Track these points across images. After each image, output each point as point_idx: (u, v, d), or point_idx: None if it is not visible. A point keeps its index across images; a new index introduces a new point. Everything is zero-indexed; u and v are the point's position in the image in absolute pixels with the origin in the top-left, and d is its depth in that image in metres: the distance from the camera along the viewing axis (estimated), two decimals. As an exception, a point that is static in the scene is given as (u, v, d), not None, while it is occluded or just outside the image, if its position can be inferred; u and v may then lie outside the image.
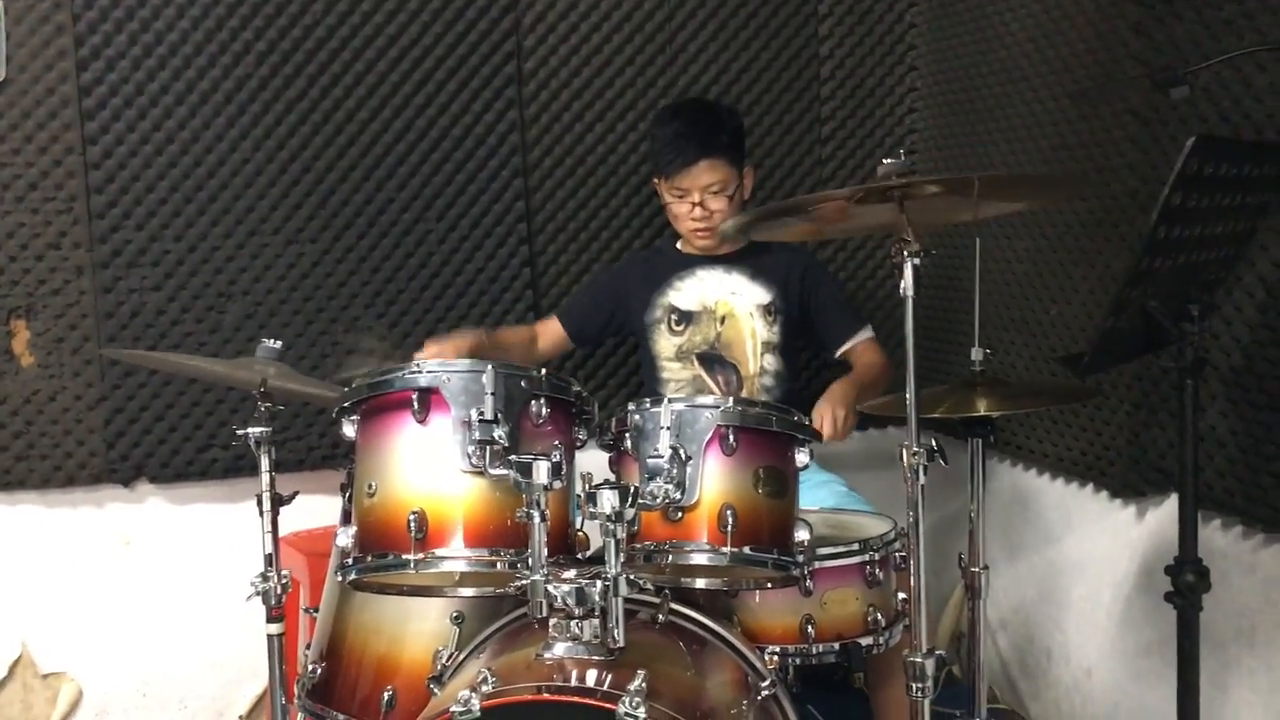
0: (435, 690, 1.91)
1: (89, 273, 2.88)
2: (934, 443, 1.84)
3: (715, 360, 2.86)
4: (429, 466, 1.80)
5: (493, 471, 1.75)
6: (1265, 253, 2.13)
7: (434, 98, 3.06)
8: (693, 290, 2.88)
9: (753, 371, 2.83)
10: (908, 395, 1.84)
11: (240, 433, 2.19)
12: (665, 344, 2.89)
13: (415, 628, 2.15)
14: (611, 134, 3.20)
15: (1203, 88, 2.20)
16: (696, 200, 2.78)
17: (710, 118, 2.87)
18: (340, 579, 1.90)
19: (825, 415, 2.46)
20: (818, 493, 2.67)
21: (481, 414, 1.77)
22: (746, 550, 1.85)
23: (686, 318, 2.87)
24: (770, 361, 2.84)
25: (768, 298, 2.84)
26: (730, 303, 2.85)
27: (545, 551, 1.69)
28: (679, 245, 2.96)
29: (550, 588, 1.69)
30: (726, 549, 1.84)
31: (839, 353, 2.90)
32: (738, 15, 3.26)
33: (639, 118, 3.21)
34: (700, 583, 2.00)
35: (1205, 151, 1.68)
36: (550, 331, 2.99)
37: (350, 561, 1.86)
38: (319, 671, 2.21)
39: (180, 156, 2.91)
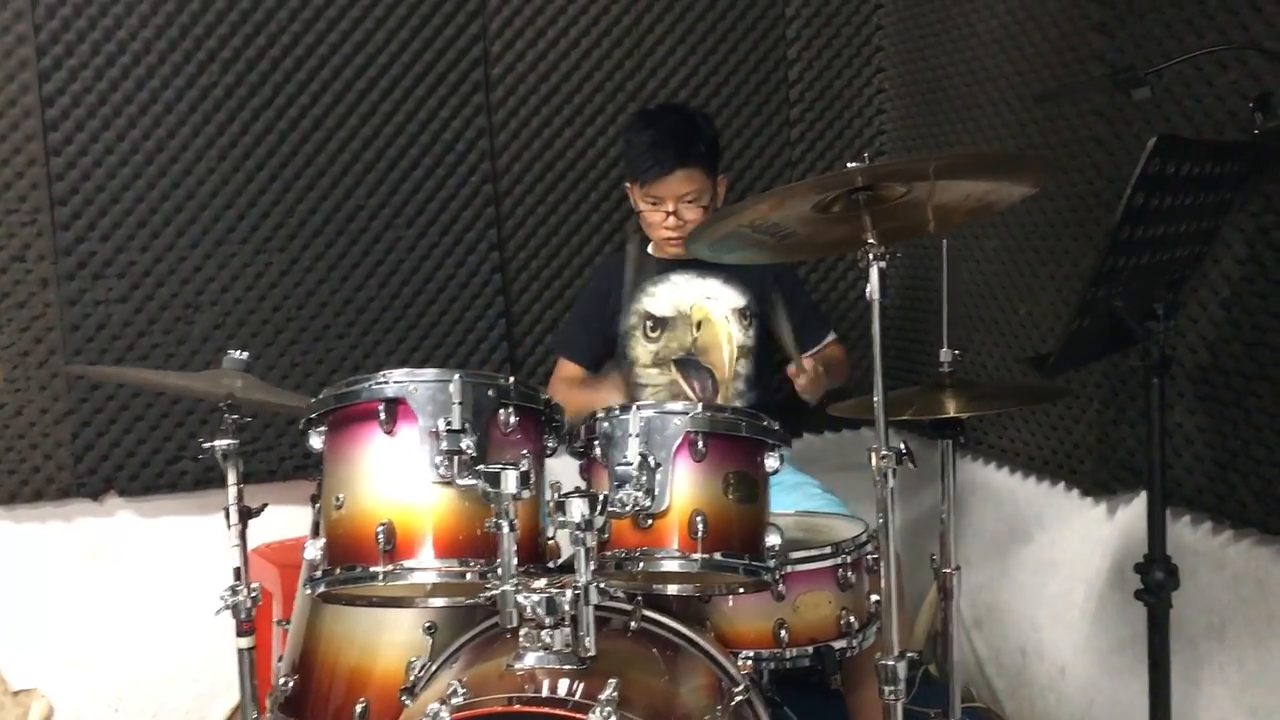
0: (407, 702, 1.90)
1: (54, 285, 2.85)
2: (903, 445, 1.84)
3: (692, 365, 2.84)
4: (397, 477, 1.79)
5: (461, 481, 1.74)
6: (1229, 250, 2.15)
7: (401, 104, 3.05)
8: (667, 295, 2.86)
9: (728, 376, 2.83)
10: (876, 398, 1.83)
11: (207, 445, 2.17)
12: (641, 350, 2.86)
13: (388, 638, 2.14)
14: (580, 139, 3.20)
15: (1165, 87, 2.21)
16: (670, 209, 2.76)
17: (687, 126, 2.84)
18: (309, 592, 1.88)
19: (805, 363, 2.57)
20: (792, 495, 2.66)
21: (449, 424, 1.76)
22: (717, 556, 1.84)
23: (661, 323, 2.85)
24: (744, 366, 2.84)
25: (743, 302, 2.83)
26: (706, 307, 2.83)
27: (515, 561, 1.68)
28: (649, 249, 2.93)
29: (520, 598, 1.68)
30: (697, 555, 1.83)
31: (808, 354, 2.90)
32: (705, 19, 3.27)
33: (608, 122, 3.20)
34: (672, 589, 2.00)
35: (1167, 151, 1.69)
36: (572, 375, 2.95)
37: (319, 574, 1.84)
38: (291, 684, 2.20)
39: (145, 167, 2.89)
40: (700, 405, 1.90)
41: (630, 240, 2.94)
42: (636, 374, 2.88)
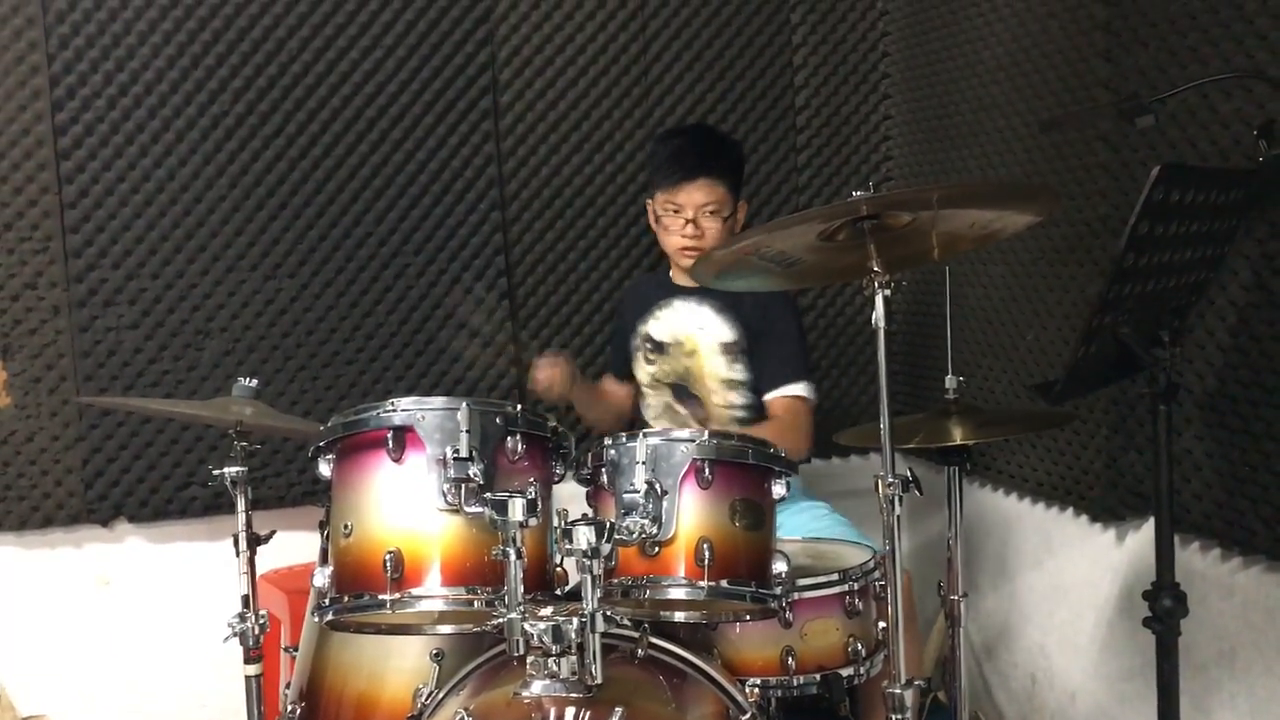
0: (414, 730, 1.90)
1: (65, 312, 2.87)
2: (909, 473, 1.84)
3: (684, 392, 2.86)
4: (405, 505, 1.80)
5: (468, 509, 1.74)
6: (1235, 277, 2.15)
7: (411, 132, 3.07)
8: (667, 320, 2.87)
9: (719, 404, 2.82)
10: (882, 427, 1.84)
11: (216, 473, 2.18)
12: (642, 371, 2.92)
13: (395, 665, 2.14)
14: (588, 166, 3.21)
15: (1170, 114, 2.22)
16: (689, 217, 2.74)
17: (713, 139, 2.89)
18: (317, 620, 1.89)
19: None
20: (802, 517, 2.67)
21: (457, 452, 1.77)
22: (724, 584, 1.84)
23: (659, 348, 2.87)
24: (737, 397, 2.81)
25: (732, 336, 2.79)
26: (696, 338, 2.82)
27: (521, 589, 1.68)
28: (670, 273, 2.92)
29: (527, 625, 1.68)
30: (704, 583, 1.83)
31: (765, 398, 2.77)
32: (712, 46, 3.29)
33: (615, 149, 3.22)
34: (679, 616, 1.99)
35: (1171, 179, 1.69)
36: (626, 392, 3.01)
37: (327, 602, 1.85)
38: (299, 711, 2.20)
39: (156, 194, 2.91)
40: (707, 433, 1.91)
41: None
42: (643, 394, 2.94)
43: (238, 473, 2.18)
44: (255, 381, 2.33)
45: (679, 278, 2.89)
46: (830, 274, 2.14)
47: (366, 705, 2.13)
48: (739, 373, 2.81)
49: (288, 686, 2.30)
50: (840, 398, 3.39)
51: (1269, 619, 2.20)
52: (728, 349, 2.81)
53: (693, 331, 2.83)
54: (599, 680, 1.67)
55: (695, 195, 2.74)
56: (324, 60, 3.00)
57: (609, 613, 1.70)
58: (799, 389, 2.74)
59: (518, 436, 1.84)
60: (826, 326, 3.37)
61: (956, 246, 2.01)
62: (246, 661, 2.22)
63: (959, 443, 2.17)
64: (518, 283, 3.20)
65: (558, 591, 1.91)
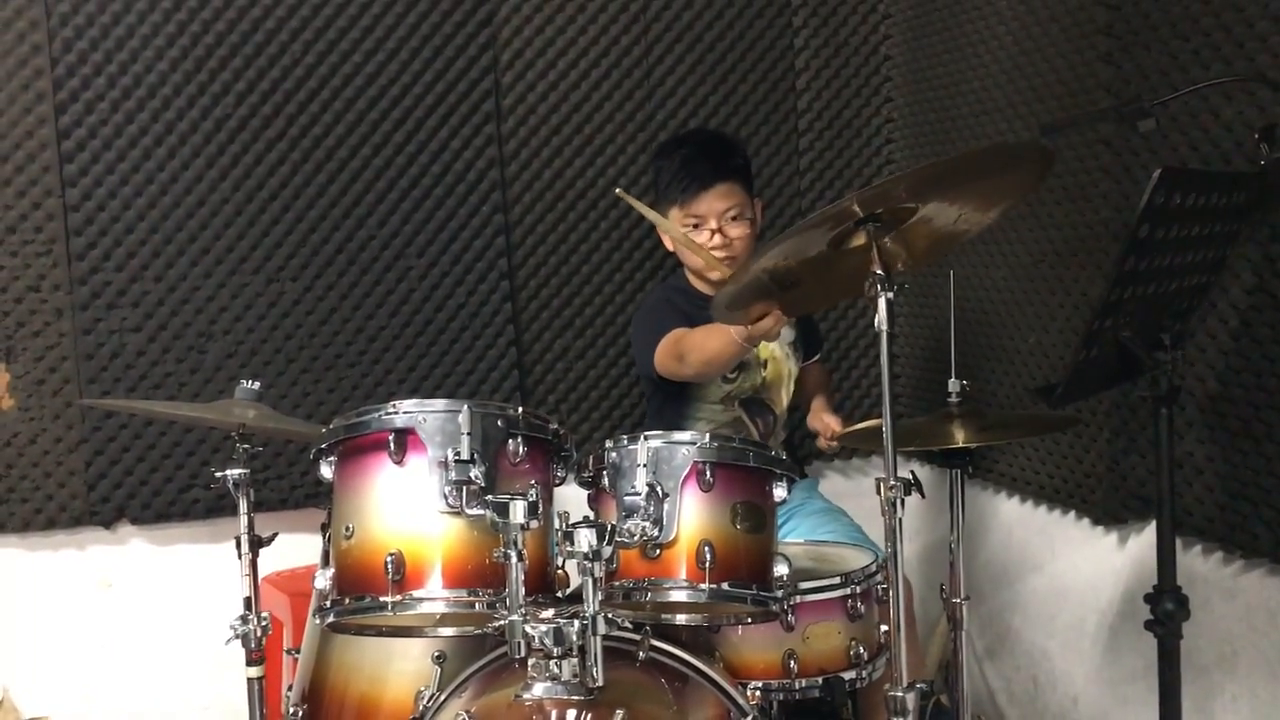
0: (416, 732, 1.90)
1: (69, 315, 2.88)
2: (912, 476, 1.84)
3: (756, 404, 2.81)
4: (406, 507, 1.80)
5: (470, 512, 1.75)
6: (1237, 280, 2.15)
7: (413, 135, 3.07)
8: None
9: (784, 410, 2.83)
10: (884, 429, 1.83)
11: (219, 475, 2.18)
12: (714, 388, 2.77)
13: (397, 667, 2.15)
14: (591, 169, 3.21)
15: (1171, 118, 2.23)
16: (714, 227, 2.68)
17: (718, 142, 2.83)
18: (319, 622, 1.89)
19: (833, 423, 2.71)
20: (808, 521, 2.68)
21: (458, 454, 1.77)
22: (725, 586, 1.84)
23: (741, 365, 2.74)
24: (791, 392, 2.85)
25: (792, 335, 2.81)
26: (771, 346, 2.78)
27: (523, 591, 1.69)
28: (695, 284, 2.84)
29: (528, 628, 1.68)
30: (705, 585, 1.83)
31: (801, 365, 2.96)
32: (715, 49, 3.29)
33: (618, 152, 3.22)
34: (680, 619, 1.99)
35: (1172, 183, 1.69)
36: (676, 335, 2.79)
37: (328, 604, 1.85)
38: (300, 713, 2.21)
39: (159, 197, 2.92)
40: (707, 436, 1.90)
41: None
42: (697, 408, 2.81)
43: (240, 475, 2.18)
44: (258, 384, 2.33)
45: (711, 288, 2.78)
46: (831, 294, 2.08)
47: (368, 707, 2.13)
48: (797, 368, 2.84)
49: (290, 689, 2.30)
50: (842, 401, 3.38)
51: (1271, 622, 2.20)
52: (793, 347, 2.81)
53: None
54: (600, 683, 1.68)
55: (715, 203, 2.68)
56: (327, 63, 3.00)
57: (610, 615, 1.71)
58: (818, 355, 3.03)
59: (519, 439, 1.85)
60: (828, 330, 3.37)
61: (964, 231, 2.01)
62: (248, 663, 2.22)
63: (961, 445, 2.17)
64: (520, 285, 3.20)
65: (559, 594, 1.91)
